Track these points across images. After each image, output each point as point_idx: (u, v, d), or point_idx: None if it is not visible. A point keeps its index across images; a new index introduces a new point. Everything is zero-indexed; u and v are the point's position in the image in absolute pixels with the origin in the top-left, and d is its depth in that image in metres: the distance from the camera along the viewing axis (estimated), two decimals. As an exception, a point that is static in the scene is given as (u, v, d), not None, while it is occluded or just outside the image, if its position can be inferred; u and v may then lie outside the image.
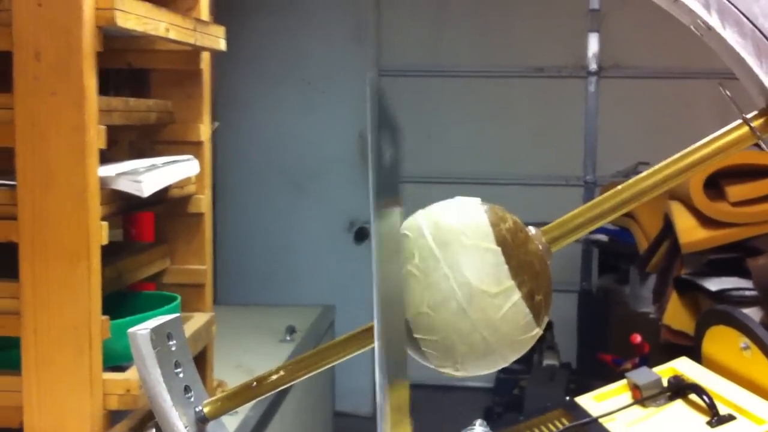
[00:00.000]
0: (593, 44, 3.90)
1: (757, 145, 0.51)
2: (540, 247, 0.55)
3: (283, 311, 3.00)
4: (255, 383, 0.58)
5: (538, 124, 4.01)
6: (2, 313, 1.31)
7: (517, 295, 0.53)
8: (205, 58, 1.73)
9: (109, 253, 1.36)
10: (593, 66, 3.92)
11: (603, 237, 3.30)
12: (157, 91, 1.71)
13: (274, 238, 3.93)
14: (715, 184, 2.35)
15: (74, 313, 1.29)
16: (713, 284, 2.29)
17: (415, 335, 0.54)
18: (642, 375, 1.41)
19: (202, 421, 0.59)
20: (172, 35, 1.47)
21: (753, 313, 2.14)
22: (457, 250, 0.53)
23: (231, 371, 2.11)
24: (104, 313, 1.33)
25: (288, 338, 2.64)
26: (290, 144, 3.92)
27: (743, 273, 2.27)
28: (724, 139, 0.51)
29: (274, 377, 0.56)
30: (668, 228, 2.57)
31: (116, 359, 1.40)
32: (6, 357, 1.39)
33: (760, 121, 0.51)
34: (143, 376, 0.54)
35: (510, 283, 0.53)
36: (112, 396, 1.32)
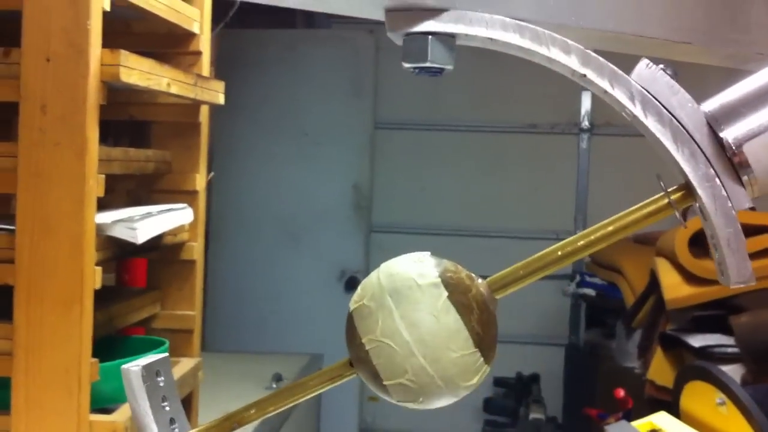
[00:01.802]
0: (586, 102, 3.99)
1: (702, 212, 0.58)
2: (484, 293, 0.61)
3: (271, 359, 3.03)
4: (228, 420, 0.64)
5: (530, 179, 4.08)
6: (-4, 354, 1.34)
7: (464, 333, 0.59)
8: (204, 111, 1.79)
9: (100, 297, 1.40)
10: (585, 123, 4.01)
11: (591, 292, 3.34)
12: (156, 142, 1.77)
13: (266, 285, 3.96)
14: (700, 242, 2.40)
15: (65, 356, 1.33)
16: (697, 341, 2.33)
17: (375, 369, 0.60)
18: (621, 429, 1.44)
19: (185, 450, 0.67)
20: (173, 90, 1.53)
21: (735, 370, 2.17)
22: (405, 293, 0.59)
23: (216, 417, 2.12)
24: (93, 356, 1.37)
25: (274, 386, 2.67)
26: (284, 194, 3.98)
27: (726, 330, 2.31)
28: (649, 207, 0.58)
29: (247, 413, 0.63)
30: (654, 284, 2.61)
31: (104, 401, 1.43)
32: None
33: (678, 194, 0.59)
34: (133, 407, 0.61)
35: (455, 319, 0.59)
36: (99, 437, 1.34)
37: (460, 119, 4.09)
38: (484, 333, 0.60)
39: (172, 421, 0.62)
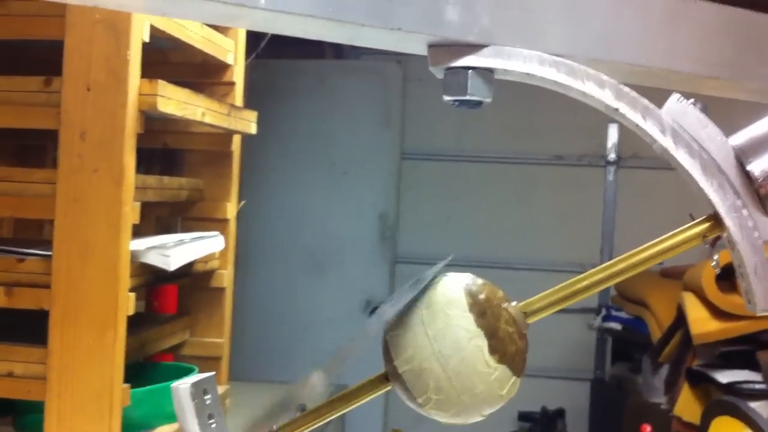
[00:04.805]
0: (613, 134, 3.98)
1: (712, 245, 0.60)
2: (515, 317, 0.63)
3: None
4: (275, 428, 0.67)
5: (556, 210, 4.08)
6: (29, 377, 1.37)
7: (473, 325, 0.62)
8: (237, 140, 1.82)
9: (132, 323, 1.42)
10: (612, 155, 4.01)
11: (617, 326, 3.32)
12: (188, 170, 1.80)
13: (291, 314, 3.98)
14: (727, 277, 2.39)
15: (98, 380, 1.35)
16: (724, 377, 2.30)
17: (395, 363, 0.64)
18: (648, 464, 1.44)
19: (230, 465, 0.69)
20: (207, 120, 1.56)
21: (762, 407, 2.15)
22: (438, 313, 0.63)
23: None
24: (124, 381, 1.39)
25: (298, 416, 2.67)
26: (311, 223, 4.00)
27: (754, 366, 2.29)
28: (680, 236, 0.60)
29: (290, 426, 0.65)
30: (681, 319, 2.59)
31: (134, 427, 1.44)
32: (30, 420, 1.44)
33: (707, 224, 0.61)
34: (182, 424, 0.63)
35: (469, 315, 0.62)
36: (129, 462, 1.36)
37: (486, 150, 4.11)
38: (515, 352, 0.62)
39: (218, 437, 0.64)
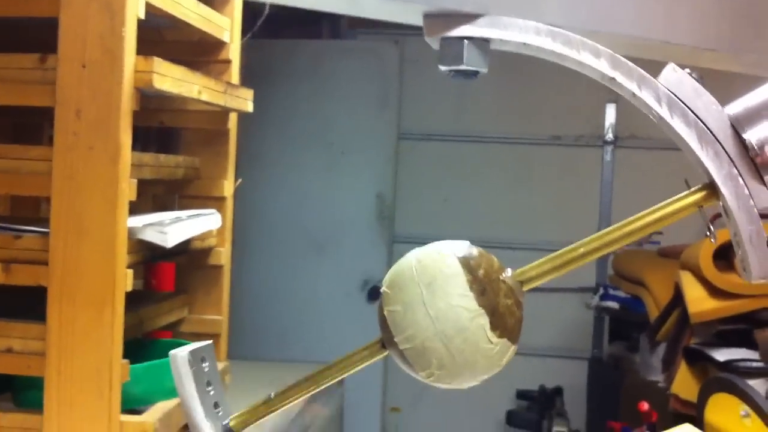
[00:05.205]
0: (610, 115, 3.98)
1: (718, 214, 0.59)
2: (513, 287, 0.64)
3: (293, 367, 3.04)
4: (272, 395, 0.68)
5: (554, 191, 4.08)
6: (28, 353, 1.37)
7: (474, 305, 0.62)
8: (233, 118, 1.82)
9: (130, 301, 1.42)
10: (609, 136, 4.00)
11: (614, 305, 3.33)
12: (185, 149, 1.80)
13: (289, 294, 3.98)
14: (724, 256, 2.39)
15: (96, 357, 1.35)
16: (721, 355, 2.31)
17: (395, 339, 0.64)
18: (645, 440, 1.45)
19: (228, 432, 0.71)
20: (204, 97, 1.56)
21: (759, 385, 2.16)
22: (433, 278, 0.63)
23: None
24: (123, 358, 1.39)
25: (298, 393, 2.67)
26: (308, 203, 4.00)
27: (751, 344, 2.29)
28: (675, 205, 0.60)
29: (289, 391, 0.66)
30: (678, 298, 2.60)
31: (134, 402, 1.45)
32: (29, 396, 1.44)
33: (703, 193, 0.61)
34: (180, 391, 0.64)
35: (470, 294, 0.62)
36: (129, 438, 1.37)
37: (483, 131, 4.11)
38: (514, 324, 0.62)
39: (216, 405, 0.64)
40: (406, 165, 4.10)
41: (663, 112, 0.59)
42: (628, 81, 0.60)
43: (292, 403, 0.67)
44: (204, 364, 0.65)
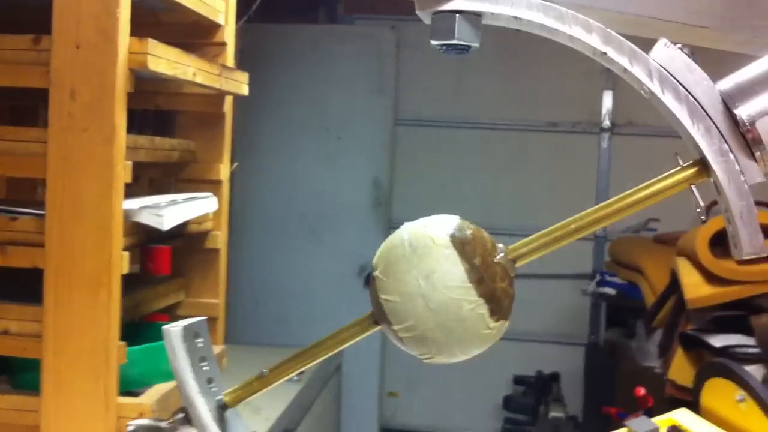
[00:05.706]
0: (607, 101, 3.98)
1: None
2: (507, 267, 0.63)
3: (289, 353, 3.04)
4: (266, 370, 0.68)
5: (550, 177, 4.08)
6: (25, 335, 1.37)
7: (473, 296, 0.62)
8: (228, 101, 1.82)
9: (127, 284, 1.42)
10: (606, 123, 4.00)
11: (611, 291, 3.34)
12: (181, 132, 1.80)
13: (285, 279, 3.99)
14: (721, 242, 2.39)
15: (93, 338, 1.35)
16: (718, 341, 2.31)
17: (394, 328, 0.64)
18: (641, 424, 1.45)
19: (222, 408, 0.71)
20: (199, 79, 1.55)
21: (756, 371, 2.16)
22: (423, 251, 0.62)
23: (239, 407, 2.14)
24: (120, 340, 1.39)
25: (295, 378, 2.69)
26: (305, 188, 4.00)
27: (747, 330, 2.30)
28: (667, 180, 0.59)
29: (282, 367, 0.66)
30: (675, 284, 2.60)
31: (132, 384, 1.45)
32: (26, 378, 1.45)
33: (694, 169, 0.60)
34: (174, 366, 0.64)
35: (469, 285, 0.61)
36: (126, 419, 1.37)
37: (480, 117, 4.10)
38: (508, 304, 0.63)
39: (210, 380, 0.64)
40: (402, 150, 4.10)
41: (654, 87, 0.59)
42: (620, 56, 0.60)
43: (285, 378, 0.67)
44: (198, 340, 0.65)
